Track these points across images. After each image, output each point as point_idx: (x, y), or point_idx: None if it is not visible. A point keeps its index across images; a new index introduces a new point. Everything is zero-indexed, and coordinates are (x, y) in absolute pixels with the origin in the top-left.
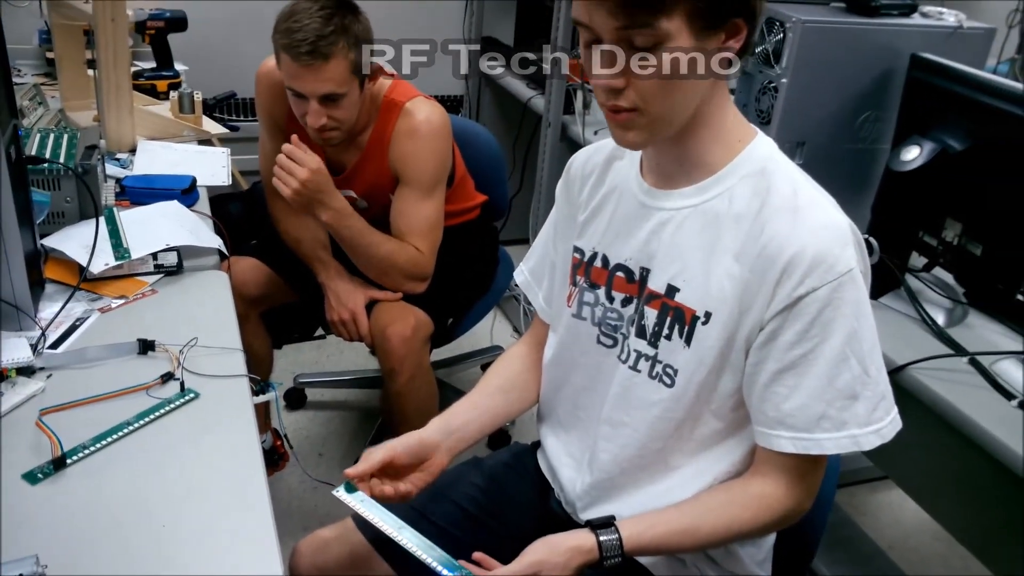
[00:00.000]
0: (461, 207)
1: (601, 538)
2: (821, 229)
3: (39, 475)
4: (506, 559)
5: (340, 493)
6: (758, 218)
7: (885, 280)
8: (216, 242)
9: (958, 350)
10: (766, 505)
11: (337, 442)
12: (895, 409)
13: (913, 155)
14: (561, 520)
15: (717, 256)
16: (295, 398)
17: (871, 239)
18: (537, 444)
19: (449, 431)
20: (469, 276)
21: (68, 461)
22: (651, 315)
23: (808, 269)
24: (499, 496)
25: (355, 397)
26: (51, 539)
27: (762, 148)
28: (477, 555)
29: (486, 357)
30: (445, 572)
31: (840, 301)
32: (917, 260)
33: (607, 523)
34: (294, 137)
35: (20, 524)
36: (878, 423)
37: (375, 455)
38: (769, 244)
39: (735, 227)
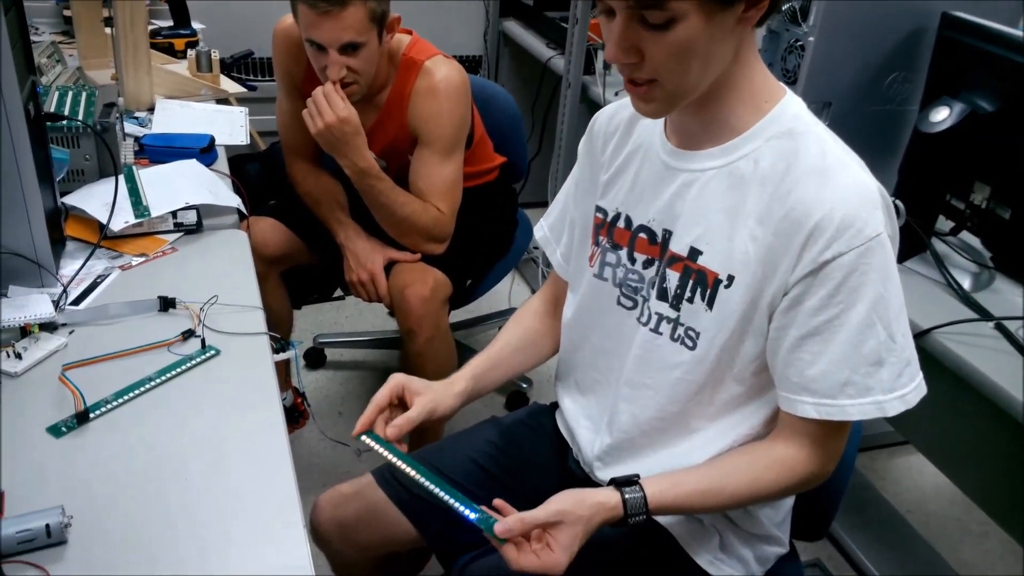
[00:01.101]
0: (480, 168)
1: (626, 496)
2: (849, 192)
3: (63, 428)
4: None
5: (366, 438)
6: (784, 180)
7: (911, 244)
8: (235, 201)
9: (984, 315)
10: (789, 468)
11: (356, 402)
12: (920, 375)
13: (942, 116)
14: (579, 479)
15: (741, 219)
16: (315, 358)
17: (897, 202)
18: (555, 405)
19: (466, 388)
20: (488, 238)
21: (91, 415)
22: (673, 278)
23: (835, 233)
24: (516, 454)
25: (374, 357)
26: (75, 491)
27: (790, 108)
28: (497, 502)
29: (504, 319)
30: (469, 513)
31: (867, 266)
32: (944, 224)
33: (631, 481)
34: (337, 84)
35: (45, 476)
36: (903, 389)
37: (415, 419)
38: (796, 207)
39: (760, 190)
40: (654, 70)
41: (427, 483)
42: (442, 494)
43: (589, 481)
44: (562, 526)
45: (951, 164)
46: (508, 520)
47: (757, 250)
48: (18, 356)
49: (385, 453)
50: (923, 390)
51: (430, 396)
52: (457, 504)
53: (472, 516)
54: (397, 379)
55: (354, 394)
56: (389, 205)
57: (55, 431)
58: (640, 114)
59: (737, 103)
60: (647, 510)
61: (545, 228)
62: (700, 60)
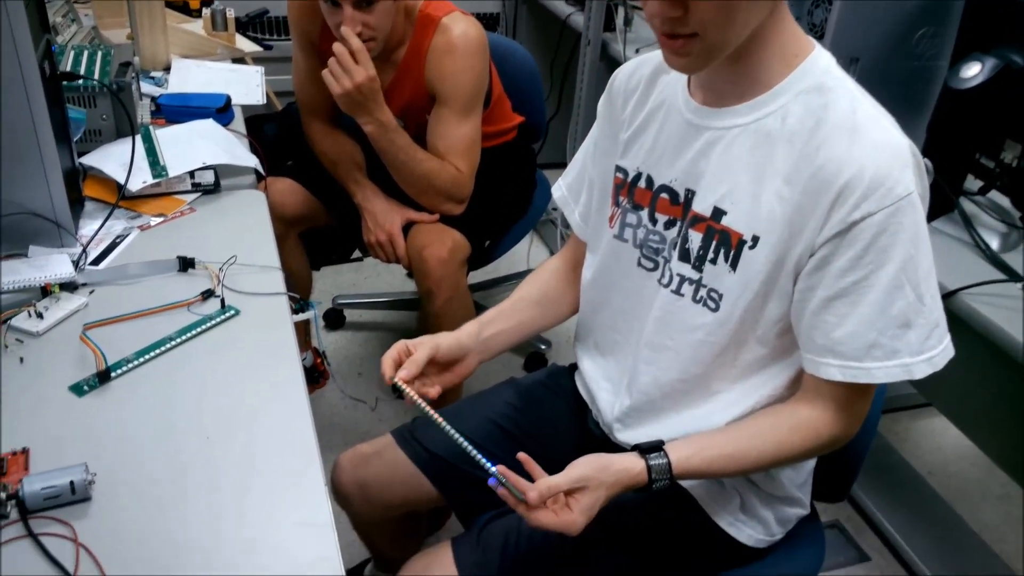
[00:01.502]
0: (498, 128)
1: (651, 462)
2: (880, 150)
3: (85, 387)
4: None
5: (402, 384)
6: (813, 137)
7: (939, 203)
8: (252, 161)
9: (1012, 276)
10: (813, 431)
11: (375, 362)
12: (948, 336)
13: (973, 72)
14: (598, 440)
15: (768, 178)
16: (334, 319)
17: (926, 160)
18: (574, 366)
19: (483, 339)
20: (506, 198)
21: (112, 375)
22: (696, 238)
23: (865, 192)
24: (535, 415)
25: (393, 318)
26: (99, 448)
27: (820, 62)
28: (521, 455)
29: (521, 281)
30: (492, 469)
31: (897, 227)
32: (972, 183)
33: (656, 447)
34: (358, 40)
35: (69, 434)
36: (931, 351)
37: (419, 355)
38: (825, 165)
39: (788, 147)
40: (698, 23)
41: (454, 433)
42: (467, 447)
43: (608, 442)
44: (585, 491)
45: (981, 121)
46: (539, 486)
47: (784, 210)
48: (39, 315)
49: (416, 397)
50: (951, 352)
51: (431, 338)
52: (482, 458)
53: (492, 468)
54: (400, 343)
55: (373, 355)
56: (408, 162)
57: (77, 390)
58: (673, 69)
59: (767, 57)
60: (671, 476)
61: (563, 188)
62: (743, 13)
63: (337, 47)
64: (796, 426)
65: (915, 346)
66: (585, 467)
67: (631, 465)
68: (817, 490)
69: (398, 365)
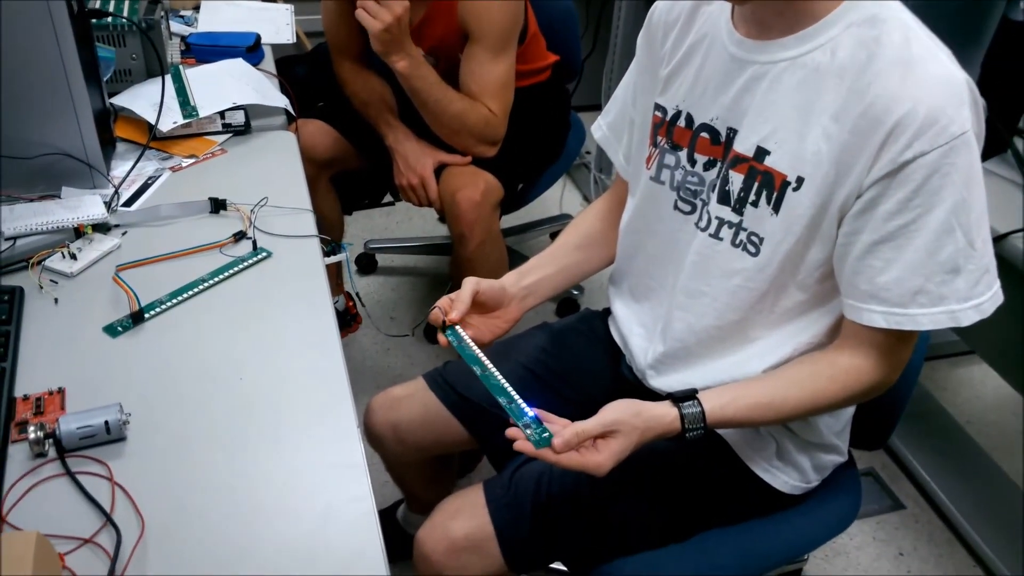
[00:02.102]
0: (532, 67)
1: (684, 411)
2: (936, 85)
3: (119, 328)
4: (574, 420)
5: (446, 335)
6: (864, 73)
7: (992, 142)
8: (283, 101)
9: None
10: (854, 378)
11: (407, 307)
12: (998, 283)
13: None
14: (632, 385)
15: (815, 116)
16: (366, 263)
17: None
18: (607, 311)
19: (523, 285)
20: (540, 141)
21: (146, 316)
22: (736, 180)
23: (918, 131)
24: (568, 359)
25: (424, 263)
26: (133, 389)
27: None
28: (540, 413)
29: (555, 225)
30: (529, 412)
31: (950, 167)
32: None
33: (689, 396)
34: None
35: (103, 374)
36: (979, 298)
37: (464, 292)
38: (875, 102)
39: (837, 83)
40: None
41: (496, 373)
42: (507, 387)
43: (642, 388)
44: (617, 435)
45: None
46: (565, 433)
47: (831, 150)
48: (73, 257)
49: (469, 343)
50: (1000, 298)
51: (471, 279)
52: (522, 402)
53: (530, 411)
54: (443, 298)
55: (405, 299)
56: (440, 99)
57: (111, 331)
58: None
59: None
60: (705, 425)
61: (604, 127)
62: None
63: None
64: (836, 374)
65: (963, 292)
66: (617, 411)
67: (664, 413)
68: (855, 437)
69: (445, 313)
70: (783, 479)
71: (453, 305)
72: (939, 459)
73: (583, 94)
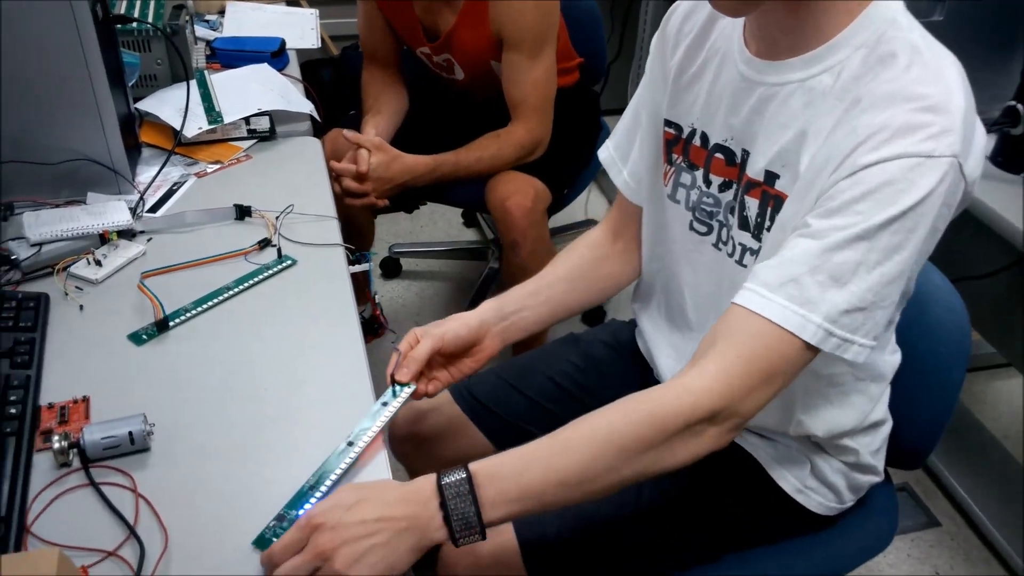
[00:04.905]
0: (561, 66)
1: (444, 479)
2: (926, 106)
3: (144, 336)
4: None
5: (386, 397)
6: (861, 100)
7: None
8: (308, 107)
9: None
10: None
11: (432, 311)
12: (868, 346)
13: None
14: None
15: (811, 136)
16: (390, 267)
17: (1018, 106)
18: (634, 322)
19: (503, 315)
20: (578, 145)
21: (170, 324)
22: (752, 205)
23: (890, 137)
24: (596, 373)
25: (449, 268)
26: (157, 398)
27: (884, 10)
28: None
29: (580, 231)
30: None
31: (910, 185)
32: None
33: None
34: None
35: (127, 383)
36: (842, 330)
37: (420, 350)
38: (857, 128)
39: (835, 104)
40: None
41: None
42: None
43: None
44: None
45: None
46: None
47: (818, 168)
48: (98, 263)
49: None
50: (855, 354)
51: (437, 328)
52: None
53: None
54: (410, 333)
55: (429, 304)
56: (471, 166)
57: (136, 339)
58: (716, 10)
59: (825, 3)
60: (473, 493)
61: (611, 148)
62: None
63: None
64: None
65: (830, 310)
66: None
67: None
68: (891, 456)
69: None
70: (817, 500)
71: (405, 362)
72: (976, 475)
73: (609, 99)
